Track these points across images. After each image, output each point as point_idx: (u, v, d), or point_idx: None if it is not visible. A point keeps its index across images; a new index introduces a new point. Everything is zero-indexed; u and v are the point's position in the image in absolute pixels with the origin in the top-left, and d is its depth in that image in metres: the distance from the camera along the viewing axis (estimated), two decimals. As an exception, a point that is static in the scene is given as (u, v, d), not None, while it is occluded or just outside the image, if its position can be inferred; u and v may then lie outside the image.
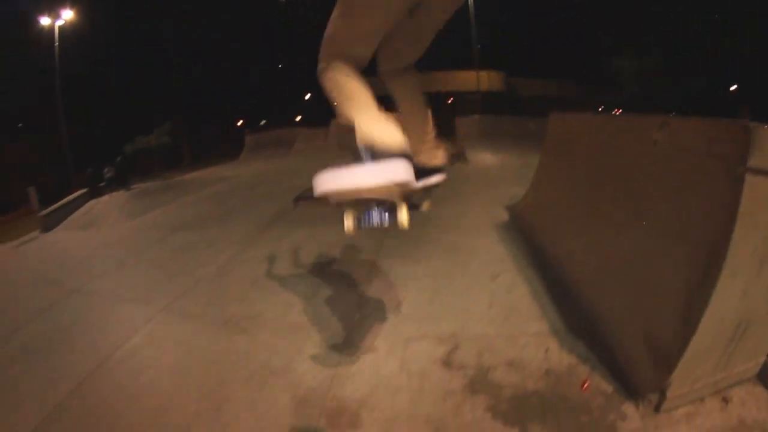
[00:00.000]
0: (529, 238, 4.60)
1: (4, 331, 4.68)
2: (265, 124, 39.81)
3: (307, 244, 5.83)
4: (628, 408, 2.21)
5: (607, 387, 2.37)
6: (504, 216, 5.39)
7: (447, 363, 2.92)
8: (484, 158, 10.04)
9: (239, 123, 41.95)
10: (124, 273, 6.02)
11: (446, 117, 15.79)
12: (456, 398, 2.58)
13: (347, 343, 3.38)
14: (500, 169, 9.35)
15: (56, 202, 15.06)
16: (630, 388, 2.30)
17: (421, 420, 2.46)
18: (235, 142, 29.24)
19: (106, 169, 19.49)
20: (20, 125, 33.57)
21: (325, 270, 4.90)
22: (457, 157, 9.80)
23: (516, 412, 2.38)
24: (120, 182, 18.59)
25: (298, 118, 37.24)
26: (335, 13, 1.75)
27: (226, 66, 37.97)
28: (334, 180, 1.55)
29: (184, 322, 4.13)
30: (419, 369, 2.91)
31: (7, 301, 5.92)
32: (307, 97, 41.23)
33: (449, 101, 26.46)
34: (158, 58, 37.41)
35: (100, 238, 9.21)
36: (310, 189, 1.84)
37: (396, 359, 3.05)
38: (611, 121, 3.98)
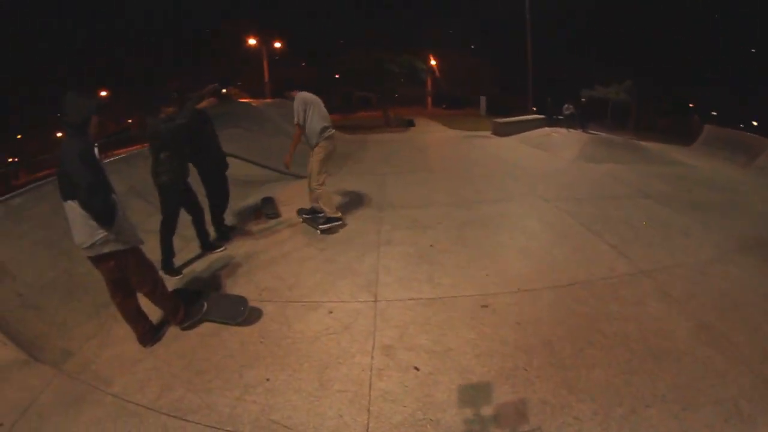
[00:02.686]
0: None
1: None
2: (716, 115, 33.67)
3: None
4: None
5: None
6: None
7: None
8: None
9: (690, 105, 37.87)
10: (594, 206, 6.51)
11: None
12: None
13: None
14: None
15: (496, 114, 17.49)
16: None
17: None
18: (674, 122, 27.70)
19: (566, 105, 19.92)
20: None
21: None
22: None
23: None
24: (579, 122, 19.12)
25: (755, 123, 28.96)
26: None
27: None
28: None
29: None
30: None
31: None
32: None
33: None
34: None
35: (558, 163, 10.29)
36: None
37: None
38: None
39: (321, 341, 3.18)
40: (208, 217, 4.93)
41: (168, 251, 4.37)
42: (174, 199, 4.40)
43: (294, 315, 3.54)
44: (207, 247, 4.84)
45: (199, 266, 4.59)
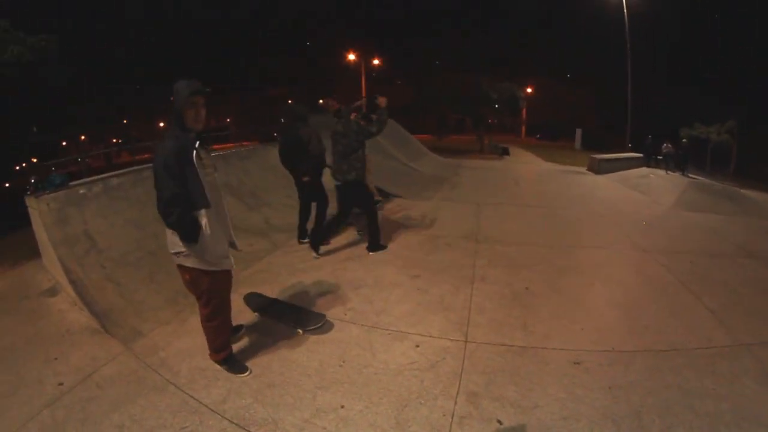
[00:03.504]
0: None
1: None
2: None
3: None
4: None
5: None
6: None
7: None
8: None
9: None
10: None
11: None
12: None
13: None
14: None
15: (591, 148, 16.45)
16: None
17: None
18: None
19: (665, 145, 19.06)
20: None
21: None
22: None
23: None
24: (678, 164, 18.26)
25: None
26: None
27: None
28: None
29: None
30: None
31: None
32: None
33: None
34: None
35: (656, 208, 9.60)
36: None
37: None
38: None
39: (404, 376, 2.93)
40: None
41: (378, 233, 5.28)
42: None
43: (379, 343, 3.34)
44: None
45: (288, 278, 4.54)
